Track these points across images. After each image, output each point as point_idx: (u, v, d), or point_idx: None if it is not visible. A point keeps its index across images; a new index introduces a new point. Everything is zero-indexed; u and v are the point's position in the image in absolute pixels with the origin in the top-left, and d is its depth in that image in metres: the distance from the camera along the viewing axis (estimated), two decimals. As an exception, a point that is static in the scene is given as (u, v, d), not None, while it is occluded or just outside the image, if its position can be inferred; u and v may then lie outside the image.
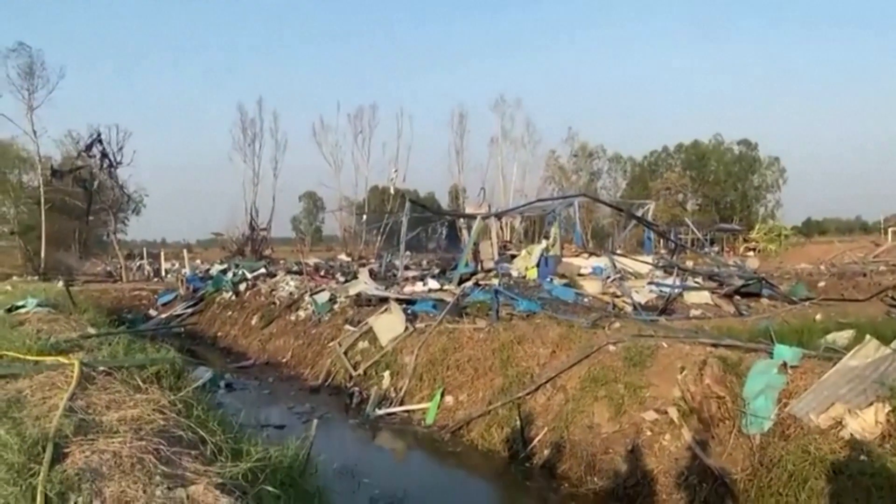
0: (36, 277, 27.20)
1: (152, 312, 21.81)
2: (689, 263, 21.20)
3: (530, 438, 7.74)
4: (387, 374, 10.62)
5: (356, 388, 10.81)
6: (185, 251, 35.18)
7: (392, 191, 41.46)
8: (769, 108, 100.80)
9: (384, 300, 13.31)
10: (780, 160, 62.44)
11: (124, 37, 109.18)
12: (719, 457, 5.98)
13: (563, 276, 15.55)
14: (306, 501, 3.80)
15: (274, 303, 17.47)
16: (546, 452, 7.42)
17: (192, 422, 3.76)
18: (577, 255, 18.09)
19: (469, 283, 14.87)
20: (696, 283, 15.70)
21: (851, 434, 5.14)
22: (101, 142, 32.16)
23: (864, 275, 18.11)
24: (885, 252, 28.49)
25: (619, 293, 13.85)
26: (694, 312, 12.65)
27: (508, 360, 9.12)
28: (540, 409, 8.00)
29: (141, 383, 4.46)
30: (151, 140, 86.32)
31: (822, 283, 17.49)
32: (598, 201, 39.01)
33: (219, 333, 18.26)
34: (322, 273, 20.88)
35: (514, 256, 18.95)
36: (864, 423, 5.14)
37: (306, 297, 16.06)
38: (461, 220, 27.56)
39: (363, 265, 22.17)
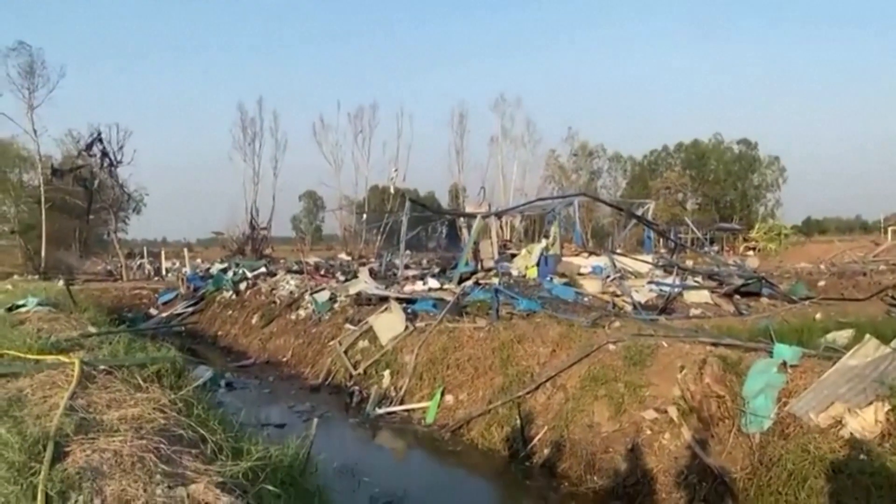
0: (36, 276, 27.21)
1: (153, 311, 21.82)
2: (689, 263, 21.21)
3: (530, 437, 7.74)
4: (387, 373, 10.63)
5: (356, 387, 10.82)
6: (185, 250, 35.20)
7: (392, 190, 41.48)
8: (769, 107, 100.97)
9: (384, 299, 13.32)
10: (780, 159, 62.54)
11: (125, 36, 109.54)
12: (719, 456, 5.99)
13: (563, 275, 15.55)
14: (306, 500, 3.80)
15: (274, 302, 17.48)
16: (546, 451, 7.42)
17: (192, 421, 3.77)
18: (577, 255, 18.09)
19: (469, 283, 14.87)
20: (696, 282, 15.70)
21: (851, 433, 5.14)
22: (101, 141, 32.19)
23: (864, 274, 18.11)
24: (884, 251, 28.47)
25: (618, 292, 13.86)
26: (694, 311, 12.66)
27: (508, 359, 9.13)
28: (540, 408, 8.00)
29: (141, 382, 4.47)
30: (152, 139, 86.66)
31: (821, 283, 17.49)
32: (598, 200, 39.01)
33: (219, 332, 18.27)
34: (322, 272, 20.88)
35: (514, 255, 18.94)
36: (864, 422, 5.14)
37: (306, 297, 16.07)
38: (461, 219, 27.58)
39: (363, 264, 22.19)
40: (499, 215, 22.28)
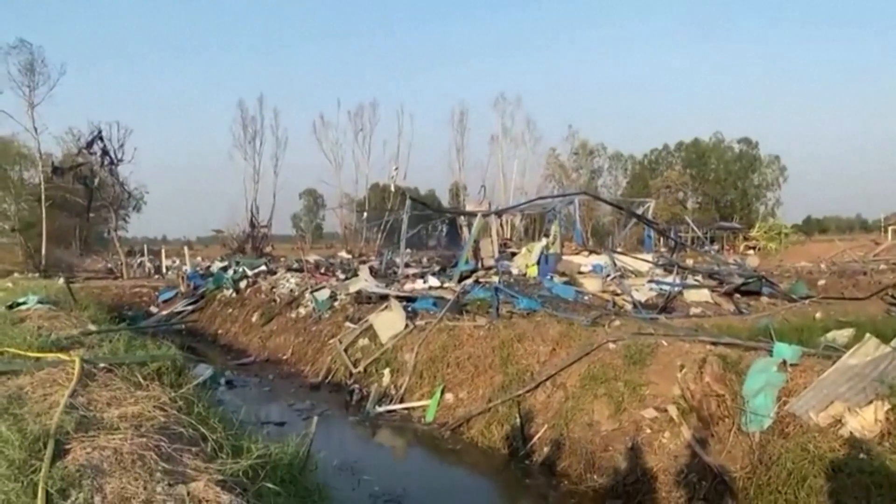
0: (37, 274, 27.21)
1: (153, 309, 21.82)
2: (689, 262, 21.21)
3: (530, 436, 7.75)
4: (387, 371, 10.63)
5: (356, 386, 10.83)
6: (185, 248, 35.13)
7: (392, 188, 41.47)
8: (769, 107, 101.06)
9: (384, 298, 13.32)
10: (781, 158, 62.52)
11: (125, 35, 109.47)
12: (719, 455, 5.99)
13: (563, 273, 15.56)
14: (306, 498, 3.81)
15: (274, 300, 17.48)
16: (546, 450, 7.43)
17: (192, 419, 3.77)
18: (577, 253, 18.10)
19: (469, 281, 14.87)
20: (696, 281, 15.70)
21: (851, 432, 5.14)
22: (101, 139, 32.11)
23: (865, 273, 18.13)
24: (885, 251, 28.49)
25: (619, 291, 13.86)
26: (694, 310, 12.66)
27: (508, 357, 9.13)
28: (540, 407, 8.01)
29: (142, 380, 4.48)
30: (152, 138, 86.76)
31: (822, 282, 17.49)
32: (598, 199, 39.04)
33: (219, 331, 18.28)
34: (322, 270, 20.88)
35: (514, 254, 18.96)
36: (864, 421, 5.14)
37: (307, 295, 16.07)
38: (461, 217, 27.58)
39: (364, 262, 22.20)
40: (499, 214, 22.30)
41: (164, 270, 31.42)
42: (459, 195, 48.48)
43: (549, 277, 15.28)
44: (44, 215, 31.96)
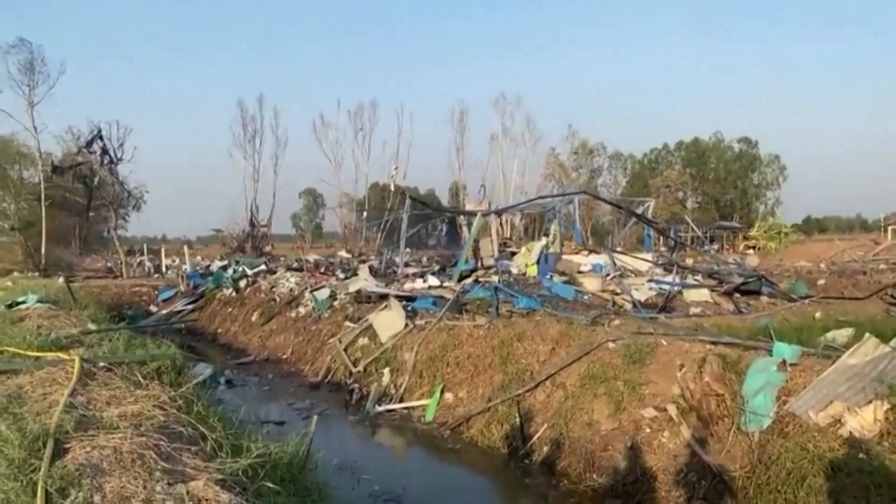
0: (36, 273, 27.20)
1: (153, 309, 21.81)
2: (689, 261, 21.22)
3: (530, 435, 7.75)
4: (387, 370, 10.63)
5: (356, 385, 10.83)
6: (185, 247, 35.14)
7: (392, 188, 41.49)
8: (769, 106, 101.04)
9: (384, 297, 13.32)
10: (781, 158, 62.48)
11: (125, 34, 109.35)
12: (718, 454, 5.99)
13: (562, 273, 15.55)
14: (306, 497, 3.80)
15: (274, 299, 17.48)
16: (545, 449, 7.43)
17: (192, 418, 3.77)
18: (576, 253, 18.10)
19: (469, 280, 14.87)
20: (696, 280, 15.70)
21: (850, 432, 5.14)
22: (101, 138, 32.11)
23: (864, 273, 18.13)
24: (884, 250, 28.48)
25: (618, 291, 13.86)
26: (693, 310, 12.66)
27: (508, 357, 9.13)
28: (539, 406, 8.01)
29: (141, 379, 4.48)
30: (152, 137, 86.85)
31: (821, 281, 17.49)
32: (598, 199, 39.03)
33: (219, 330, 18.28)
34: (322, 270, 20.89)
35: (514, 254, 18.95)
36: (863, 420, 5.15)
37: (306, 294, 16.07)
38: (461, 217, 27.58)
39: (363, 262, 22.21)
40: (499, 213, 22.29)
41: (163, 270, 31.41)
42: (459, 195, 48.46)
43: (548, 277, 15.28)
44: (43, 214, 31.95)
